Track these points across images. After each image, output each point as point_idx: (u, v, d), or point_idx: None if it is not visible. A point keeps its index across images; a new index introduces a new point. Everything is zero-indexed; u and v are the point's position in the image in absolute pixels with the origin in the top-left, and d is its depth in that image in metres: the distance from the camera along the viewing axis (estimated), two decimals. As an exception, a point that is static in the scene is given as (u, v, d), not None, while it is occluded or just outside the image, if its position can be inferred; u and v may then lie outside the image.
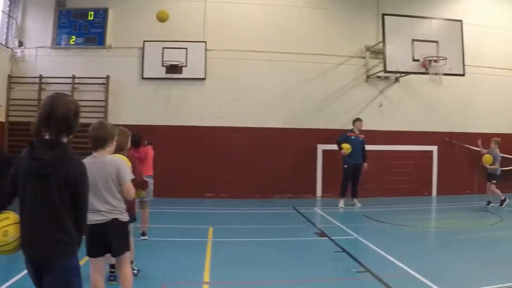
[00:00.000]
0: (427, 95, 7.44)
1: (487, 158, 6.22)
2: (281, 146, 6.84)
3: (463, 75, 6.52)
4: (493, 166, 6.08)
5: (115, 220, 2.01)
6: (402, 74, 7.02)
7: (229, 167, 6.62)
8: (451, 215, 6.01)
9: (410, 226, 4.98)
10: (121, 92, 6.28)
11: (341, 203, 6.12)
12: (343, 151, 5.89)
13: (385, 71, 6.36)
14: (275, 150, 6.79)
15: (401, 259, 3.29)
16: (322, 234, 4.32)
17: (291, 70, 6.89)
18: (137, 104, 6.32)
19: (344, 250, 3.65)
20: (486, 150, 6.60)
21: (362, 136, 6.13)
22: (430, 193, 7.65)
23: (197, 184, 6.55)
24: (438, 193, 7.69)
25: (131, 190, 2.05)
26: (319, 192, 6.96)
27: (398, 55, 6.22)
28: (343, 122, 6.66)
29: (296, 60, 6.92)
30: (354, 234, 4.33)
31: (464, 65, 6.52)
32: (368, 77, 7.17)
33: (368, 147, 6.50)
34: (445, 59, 6.11)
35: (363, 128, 6.51)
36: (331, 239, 4.06)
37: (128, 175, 2.05)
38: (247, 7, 6.91)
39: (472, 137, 7.74)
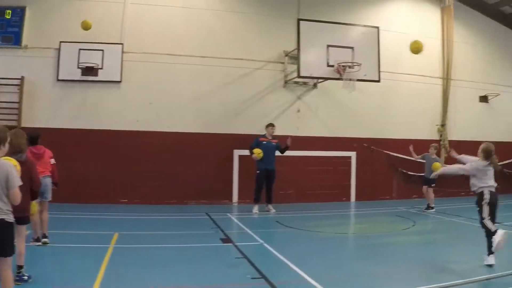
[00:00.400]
0: (346, 101, 10.84)
1: (437, 165, 8.53)
2: (197, 151, 9.64)
3: (378, 81, 9.49)
4: (437, 172, 8.50)
5: (1, 220, 2.70)
6: (320, 80, 10.39)
7: (144, 173, 9.16)
8: (365, 221, 8.52)
9: (321, 232, 6.93)
10: (35, 94, 8.85)
11: (255, 209, 8.58)
12: (254, 156, 8.48)
13: (299, 76, 9.17)
14: (191, 155, 9.48)
15: (301, 265, 4.50)
16: (227, 240, 5.97)
17: (209, 74, 9.77)
18: (51, 107, 8.88)
19: (245, 257, 4.94)
20: (419, 156, 9.47)
21: (275, 141, 8.85)
22: (348, 199, 10.89)
23: (111, 190, 9.01)
24: (356, 199, 10.88)
25: (17, 196, 2.76)
26: (235, 198, 9.83)
27: (312, 60, 8.97)
28: (260, 128, 9.38)
29: (215, 64, 9.86)
30: (260, 240, 5.94)
31: (379, 71, 9.43)
32: (286, 82, 10.25)
33: (286, 153, 9.66)
34: (359, 65, 8.95)
35: (281, 133, 9.81)
36: (235, 245, 5.60)
37: (17, 181, 2.76)
38: (166, 10, 9.70)
39: (390, 143, 11.30)
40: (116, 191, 9.24)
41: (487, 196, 4.79)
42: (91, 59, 9.20)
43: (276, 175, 8.92)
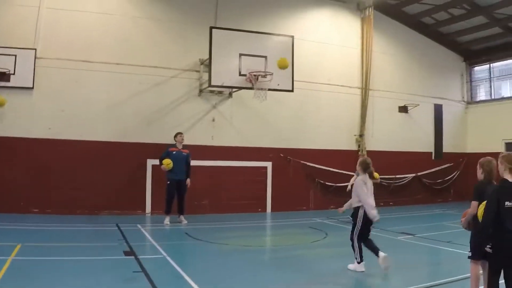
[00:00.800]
0: (263, 111, 15.64)
1: (376, 175, 10.61)
2: (111, 160, 13.62)
3: (291, 90, 13.73)
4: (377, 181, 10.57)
5: None
6: (234, 89, 15.08)
7: (56, 182, 12.79)
8: (276, 233, 11.89)
9: (228, 244, 9.32)
10: None
11: (166, 220, 11.95)
12: (162, 166, 12.29)
13: (210, 85, 13.12)
14: (104, 164, 13.36)
15: (197, 279, 6.12)
16: (129, 253, 7.65)
17: (124, 82, 13.85)
18: None
19: (143, 271, 6.52)
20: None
21: (186, 151, 12.72)
22: (264, 210, 15.47)
23: (22, 199, 12.56)
24: (273, 210, 15.49)
25: None
26: (148, 208, 13.99)
27: (225, 69, 12.79)
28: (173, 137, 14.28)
29: (130, 72, 14.08)
30: (164, 253, 7.69)
31: (293, 81, 13.65)
32: (201, 91, 14.68)
33: (200, 163, 14.30)
34: (271, 74, 13.09)
35: (196, 143, 14.41)
36: (137, 258, 7.27)
37: None
38: (82, 16, 13.60)
39: (308, 153, 16.33)
40: (28, 201, 13.04)
41: (361, 213, 7.11)
42: (3, 64, 13.00)
43: (191, 185, 13.29)
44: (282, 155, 15.84)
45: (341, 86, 16.88)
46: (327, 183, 16.35)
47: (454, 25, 17.88)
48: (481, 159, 5.48)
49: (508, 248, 4.64)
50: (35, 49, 13.49)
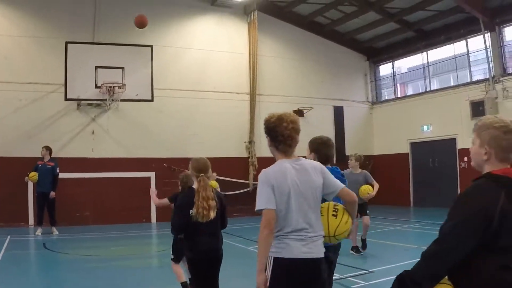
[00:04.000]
0: (144, 121, 20.83)
1: (365, 189, 11.76)
2: None
3: (151, 100, 19.15)
4: (372, 194, 11.63)
5: None
6: (114, 101, 20.21)
7: None
8: (136, 242, 15.91)
9: (69, 254, 13.09)
10: None
11: (38, 231, 16.70)
12: (26, 178, 17.74)
13: (66, 99, 18.62)
14: None
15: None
16: None
17: (4, 99, 19.51)
18: None
19: None
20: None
21: (52, 163, 17.98)
22: (149, 220, 21.17)
23: None
24: (158, 220, 21.07)
25: None
26: (31, 220, 19.54)
27: (80, 82, 18.17)
28: (54, 150, 19.21)
29: (9, 89, 19.52)
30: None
31: (152, 90, 19.14)
32: (79, 104, 20.33)
33: (81, 175, 19.42)
34: (123, 85, 18.48)
35: (76, 155, 19.54)
36: None
37: None
38: None
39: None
40: None
41: None
42: None
43: (74, 196, 18.28)
44: (165, 164, 20.85)
45: (229, 92, 22.19)
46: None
47: (349, 23, 23.28)
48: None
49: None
50: None
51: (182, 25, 22.07)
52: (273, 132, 4.77)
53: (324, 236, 4.77)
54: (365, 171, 12.66)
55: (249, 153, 22.29)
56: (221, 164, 21.16)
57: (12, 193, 19.10)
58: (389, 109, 24.47)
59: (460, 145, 21.81)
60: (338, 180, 4.92)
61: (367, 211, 12.48)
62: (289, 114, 4.92)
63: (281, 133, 4.71)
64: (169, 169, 20.84)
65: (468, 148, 3.41)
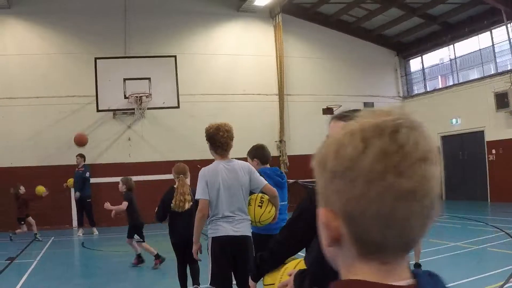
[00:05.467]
0: (177, 127, 22.27)
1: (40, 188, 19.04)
2: (38, 182, 21.16)
3: (177, 107, 20.83)
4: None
5: None
6: (142, 110, 21.76)
7: None
8: (163, 239, 20.68)
9: (102, 251, 15.86)
10: None
11: (80, 231, 19.62)
12: (64, 184, 20.08)
13: (98, 110, 20.53)
14: (33, 186, 21.04)
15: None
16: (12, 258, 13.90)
17: (45, 112, 21.45)
18: None
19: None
20: None
21: (82, 169, 20.10)
22: None
23: None
24: None
25: None
26: (75, 222, 21.58)
27: (110, 94, 20.22)
28: (93, 157, 21.25)
29: (49, 103, 21.40)
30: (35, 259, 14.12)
31: (178, 97, 20.82)
32: (115, 114, 21.97)
33: (118, 179, 21.04)
34: (150, 95, 20.36)
35: (114, 161, 21.25)
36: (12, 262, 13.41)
37: None
38: (3, 59, 21.24)
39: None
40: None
41: None
42: None
43: (105, 199, 20.03)
44: (199, 166, 22.10)
45: (258, 94, 23.29)
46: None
47: (375, 19, 23.90)
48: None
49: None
50: None
51: (209, 32, 23.40)
52: (212, 140, 6.33)
53: (251, 221, 6.30)
54: None
55: (280, 152, 23.32)
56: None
57: (56, 199, 20.82)
58: (420, 103, 24.89)
59: (488, 137, 22.14)
60: (262, 178, 6.39)
61: None
62: (224, 124, 6.55)
63: (219, 140, 6.24)
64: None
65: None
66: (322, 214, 1.21)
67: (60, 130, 21.63)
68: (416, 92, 26.03)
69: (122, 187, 12.59)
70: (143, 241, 12.76)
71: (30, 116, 21.46)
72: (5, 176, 20.75)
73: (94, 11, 22.25)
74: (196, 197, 6.21)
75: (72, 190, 20.54)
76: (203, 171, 6.21)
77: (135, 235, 12.87)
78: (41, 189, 18.87)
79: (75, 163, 20.48)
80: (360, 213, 1.12)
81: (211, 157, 19.61)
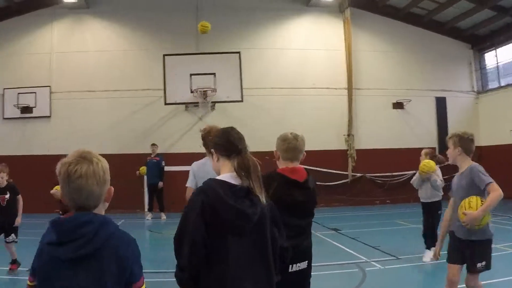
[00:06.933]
0: (245, 119, 23.09)
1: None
2: (114, 169, 22.57)
3: (241, 101, 21.97)
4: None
5: None
6: (207, 103, 22.82)
7: None
8: None
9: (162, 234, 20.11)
10: None
11: (148, 216, 21.37)
12: (137, 172, 21.75)
13: (165, 104, 21.92)
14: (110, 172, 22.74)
15: None
16: None
17: (122, 104, 23.03)
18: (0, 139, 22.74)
19: None
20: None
21: (157, 158, 21.66)
22: None
23: (47, 201, 22.69)
24: None
25: None
26: (146, 207, 22.85)
27: (177, 89, 21.71)
28: (166, 147, 22.57)
29: (126, 96, 22.98)
30: None
31: (242, 91, 21.91)
32: (187, 106, 23.16)
33: (189, 167, 22.24)
34: (214, 89, 21.56)
35: (187, 151, 22.49)
36: None
37: None
38: (83, 55, 23.20)
39: (292, 154, 23.45)
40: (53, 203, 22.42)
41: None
42: (27, 100, 22.68)
43: (176, 187, 21.26)
44: (267, 157, 22.89)
45: (327, 88, 23.87)
46: (316, 182, 23.06)
47: (446, 12, 23.76)
48: None
49: None
50: (50, 86, 23.21)
51: (278, 27, 24.27)
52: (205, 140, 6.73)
53: None
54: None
55: (348, 146, 23.70)
56: (320, 156, 22.96)
57: (129, 185, 22.10)
58: (494, 98, 24.46)
59: None
60: None
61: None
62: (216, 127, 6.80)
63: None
64: (269, 161, 23.04)
65: None
66: None
67: (135, 122, 23.28)
68: (490, 87, 25.47)
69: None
70: None
71: (108, 108, 23.25)
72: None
73: (167, 9, 23.75)
74: (186, 185, 7.10)
75: (145, 177, 22.01)
76: (193, 164, 7.31)
77: None
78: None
79: (148, 152, 22.01)
80: None
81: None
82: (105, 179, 3.32)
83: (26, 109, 22.88)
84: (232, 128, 4.53)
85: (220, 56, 22.24)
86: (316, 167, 23.12)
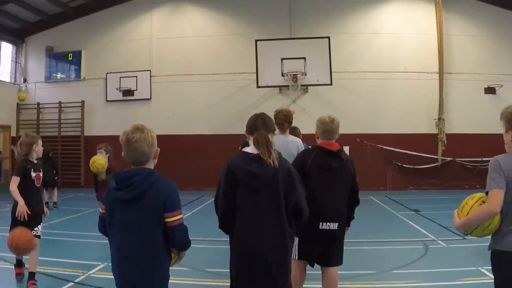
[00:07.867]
0: (337, 102, 23.76)
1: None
2: (210, 148, 23.83)
3: (330, 84, 22.63)
4: None
5: None
6: (297, 86, 23.50)
7: (171, 166, 23.63)
8: None
9: None
10: (92, 112, 24.56)
11: None
12: (240, 149, 22.62)
13: (257, 87, 22.77)
14: (205, 151, 23.85)
15: None
16: None
17: (217, 88, 24.19)
18: (103, 120, 24.25)
19: None
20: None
21: None
22: None
23: None
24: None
25: None
26: None
27: (269, 72, 22.64)
28: None
29: (222, 79, 24.06)
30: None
31: (331, 75, 22.57)
32: (281, 89, 23.96)
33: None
34: (304, 73, 22.38)
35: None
36: None
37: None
38: (182, 40, 24.49)
39: (382, 138, 23.96)
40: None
41: None
42: (128, 84, 24.11)
43: None
44: (358, 140, 23.66)
45: (418, 72, 24.23)
46: (404, 165, 23.53)
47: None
48: None
49: None
50: (150, 70, 24.43)
51: (371, 12, 24.77)
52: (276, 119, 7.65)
53: None
54: None
55: (438, 130, 23.94)
56: (410, 140, 23.42)
57: (221, 164, 23.27)
58: None
59: None
60: None
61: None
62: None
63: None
64: (362, 144, 23.67)
65: None
66: None
67: (231, 103, 24.40)
68: None
69: None
70: None
71: (205, 90, 24.46)
72: (182, 142, 23.81)
73: (262, -5, 24.82)
74: None
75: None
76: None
77: None
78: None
79: (242, 133, 22.64)
80: None
81: (371, 131, 24.11)
82: (153, 143, 4.47)
83: (128, 92, 24.40)
84: (257, 115, 5.65)
85: (311, 40, 22.96)
86: (407, 150, 23.58)
